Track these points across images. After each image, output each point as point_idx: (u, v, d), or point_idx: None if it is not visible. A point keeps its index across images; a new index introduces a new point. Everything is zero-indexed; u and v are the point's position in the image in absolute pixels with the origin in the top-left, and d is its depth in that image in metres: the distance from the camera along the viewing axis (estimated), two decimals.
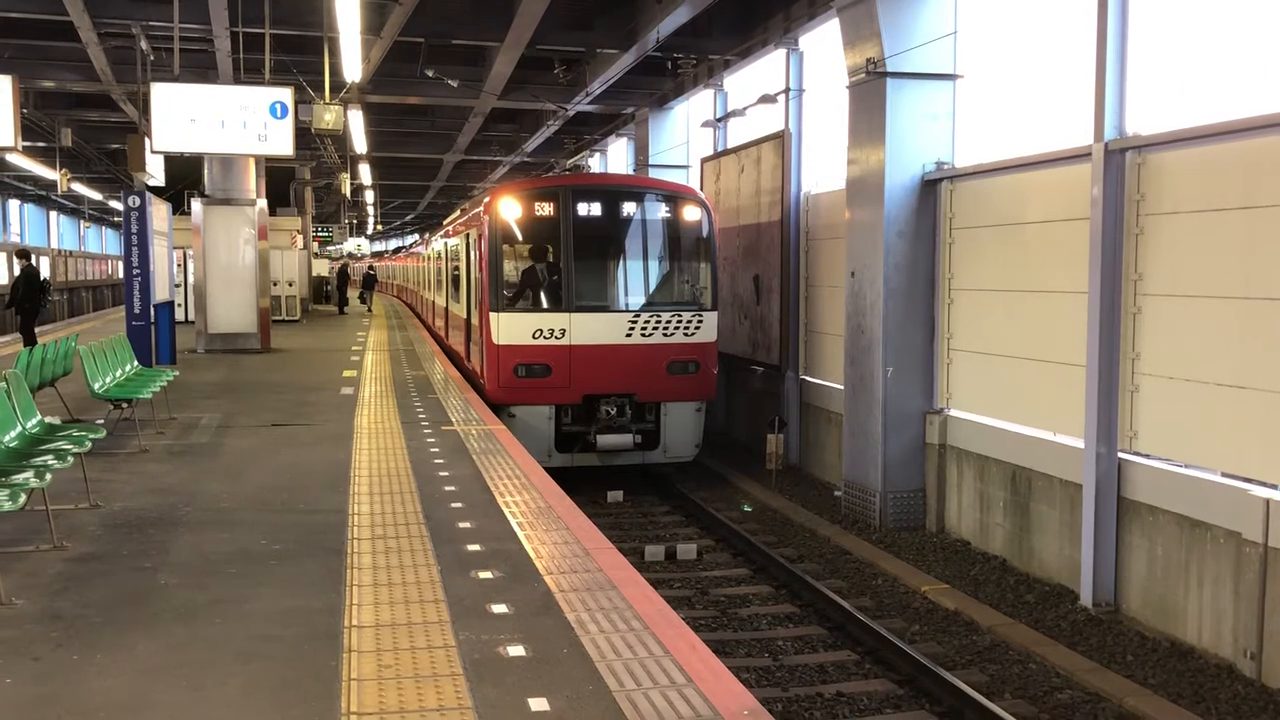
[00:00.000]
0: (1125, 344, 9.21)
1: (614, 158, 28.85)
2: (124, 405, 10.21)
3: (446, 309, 20.83)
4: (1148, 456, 9.08)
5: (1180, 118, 8.85)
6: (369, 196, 45.33)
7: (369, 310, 36.08)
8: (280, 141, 15.32)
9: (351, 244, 69.48)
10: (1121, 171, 9.17)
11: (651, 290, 14.38)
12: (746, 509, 12.57)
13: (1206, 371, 8.40)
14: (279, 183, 32.46)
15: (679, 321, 13.99)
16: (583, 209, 13.93)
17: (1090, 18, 9.36)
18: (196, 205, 19.19)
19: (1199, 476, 8.51)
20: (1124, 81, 9.21)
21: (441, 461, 9.07)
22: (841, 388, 13.47)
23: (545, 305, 13.98)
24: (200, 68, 18.95)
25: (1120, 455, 9.24)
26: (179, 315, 21.47)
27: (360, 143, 24.94)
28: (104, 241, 75.66)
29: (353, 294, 41.57)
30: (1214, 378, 8.33)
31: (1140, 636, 8.73)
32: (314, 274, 37.75)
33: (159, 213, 16.57)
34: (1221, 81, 8.79)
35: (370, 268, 44.95)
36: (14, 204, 54.79)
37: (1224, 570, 8.12)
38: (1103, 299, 9.19)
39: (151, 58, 17.60)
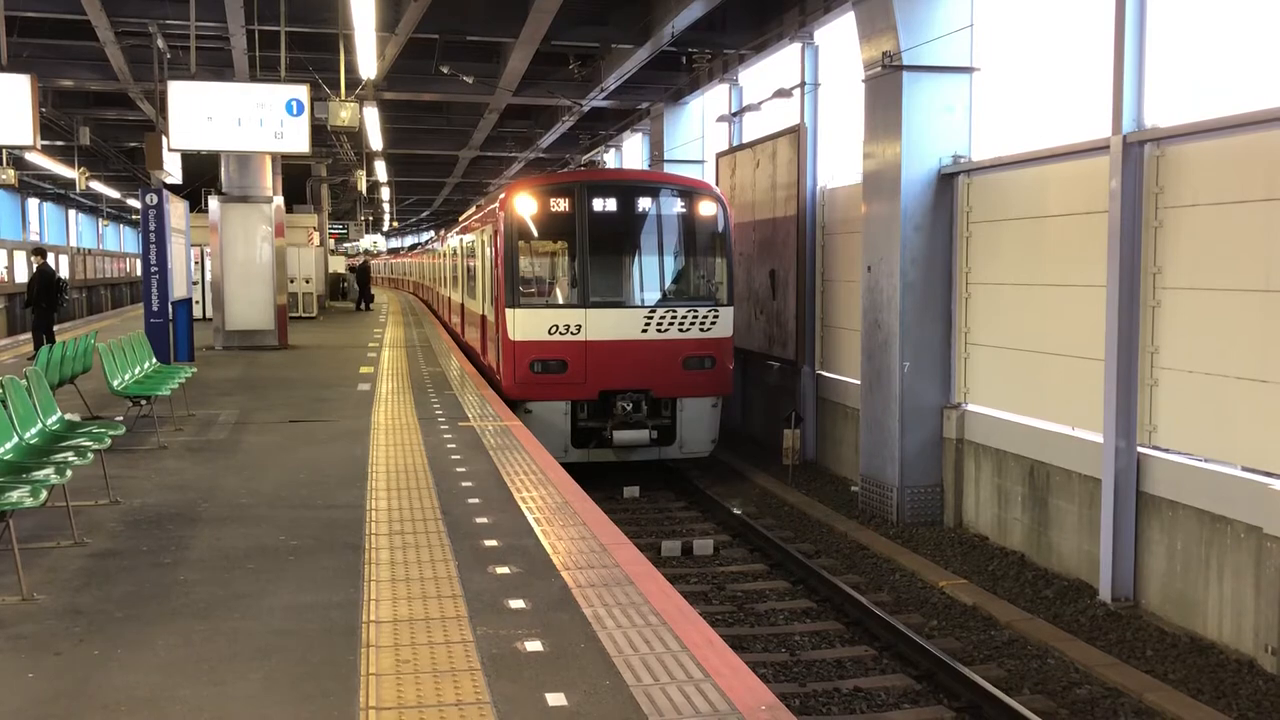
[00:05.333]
0: (1144, 338, 9.15)
1: (629, 153, 28.84)
2: (143, 402, 10.27)
3: (463, 305, 20.87)
4: (1167, 451, 9.03)
5: (1200, 109, 8.78)
6: (385, 193, 45.43)
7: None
8: (296, 139, 15.35)
9: (367, 240, 69.65)
10: (1140, 164, 9.10)
11: (667, 286, 14.37)
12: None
13: (1227, 365, 8.34)
14: (295, 180, 32.57)
15: (695, 317, 13.97)
16: (598, 205, 13.93)
17: (1108, 8, 9.30)
18: (214, 203, 19.28)
19: (1219, 471, 8.45)
20: (1142, 73, 9.14)
21: (458, 457, 9.09)
22: (858, 382, 13.43)
23: (561, 301, 14.00)
24: (217, 66, 19.03)
25: (1139, 450, 9.18)
26: (197, 312, 21.58)
27: (376, 139, 24.99)
28: (122, 239, 76.08)
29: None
30: (1234, 371, 8.27)
31: (1160, 632, 8.68)
32: (330, 270, 37.84)
33: (176, 210, 16.65)
34: (1242, 72, 8.72)
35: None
36: (33, 202, 55.13)
37: (1244, 565, 8.07)
38: (1121, 292, 9.14)
39: (168, 56, 17.69)
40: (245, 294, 19.25)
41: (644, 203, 14.22)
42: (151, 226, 15.37)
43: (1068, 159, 10.21)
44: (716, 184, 18.04)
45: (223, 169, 19.75)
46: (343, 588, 5.59)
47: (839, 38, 15.12)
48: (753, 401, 17.98)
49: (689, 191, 14.46)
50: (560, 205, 13.93)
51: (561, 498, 7.62)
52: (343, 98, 16.32)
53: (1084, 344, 9.87)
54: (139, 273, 24.02)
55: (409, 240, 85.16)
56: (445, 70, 19.56)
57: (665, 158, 22.41)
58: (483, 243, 16.96)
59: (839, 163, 15.21)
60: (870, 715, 7.37)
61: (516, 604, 5.30)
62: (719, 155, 19.20)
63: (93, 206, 60.37)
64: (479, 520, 6.96)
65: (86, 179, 30.39)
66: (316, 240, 30.91)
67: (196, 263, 23.83)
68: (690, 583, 10.22)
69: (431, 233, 59.44)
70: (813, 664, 8.26)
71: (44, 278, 18.69)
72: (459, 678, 4.40)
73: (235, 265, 19.29)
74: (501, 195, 14.75)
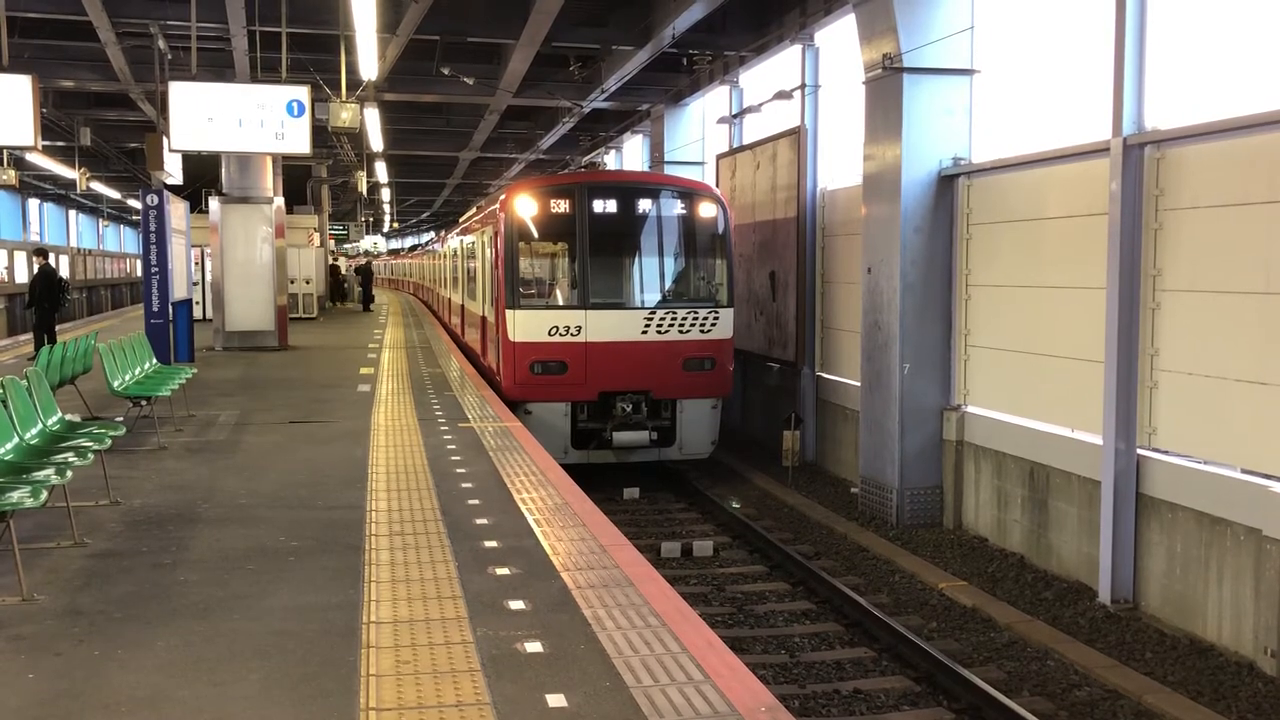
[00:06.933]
0: (1144, 340, 9.16)
1: (629, 155, 28.84)
2: (143, 403, 10.28)
3: (463, 306, 20.88)
4: (1166, 453, 9.03)
5: (1200, 112, 8.79)
6: (385, 194, 45.45)
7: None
8: (297, 140, 15.35)
9: (367, 241, 69.68)
10: (1140, 166, 9.11)
11: (667, 287, 14.37)
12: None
13: (1226, 367, 8.35)
14: (296, 181, 32.56)
15: (695, 318, 13.98)
16: (598, 206, 13.93)
17: (1108, 11, 9.30)
18: (214, 203, 19.28)
19: (1218, 473, 8.45)
20: (1142, 75, 9.14)
21: (458, 458, 9.10)
22: (858, 384, 13.44)
23: (561, 302, 14.00)
24: (217, 67, 19.04)
25: (1139, 451, 9.18)
26: (197, 313, 21.57)
27: (376, 140, 25.00)
28: (122, 240, 76.08)
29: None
30: (1234, 374, 8.27)
31: (1159, 634, 8.69)
32: (330, 270, 37.89)
33: (177, 211, 16.66)
34: (1242, 75, 8.73)
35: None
36: (34, 203, 55.14)
37: (1244, 567, 8.07)
38: (1121, 295, 9.14)
39: (169, 57, 17.69)
40: (245, 295, 19.24)
41: (644, 204, 14.22)
42: (152, 227, 15.38)
43: (1068, 161, 10.21)
44: (717, 185, 18.04)
45: (223, 170, 19.74)
46: (342, 588, 5.59)
47: (839, 40, 15.13)
48: (752, 403, 17.98)
49: (689, 193, 14.46)
50: (560, 206, 13.94)
51: (561, 499, 7.62)
52: (343, 99, 16.31)
53: (1084, 346, 9.87)
54: (139, 273, 24.07)
55: (409, 241, 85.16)
56: (446, 71, 19.57)
57: (665, 159, 22.41)
58: (483, 244, 16.96)
59: (839, 164, 15.22)
60: (870, 717, 7.37)
61: (516, 605, 5.30)
62: (719, 157, 19.21)
63: (93, 207, 60.39)
64: (479, 521, 6.96)
65: (87, 179, 30.40)
66: (317, 241, 30.93)
67: (197, 263, 23.83)
68: (690, 584, 10.22)
69: (432, 234, 59.46)
70: (812, 665, 8.26)
71: (46, 278, 18.71)
72: (459, 679, 4.40)
73: (235, 266, 19.28)
74: (502, 196, 14.75)
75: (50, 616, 5.19)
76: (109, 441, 7.35)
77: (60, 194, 50.65)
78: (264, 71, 18.04)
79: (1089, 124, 9.88)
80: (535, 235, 14.10)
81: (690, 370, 13.95)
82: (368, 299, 35.95)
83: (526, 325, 13.76)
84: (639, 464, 14.41)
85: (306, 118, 15.23)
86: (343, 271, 42.08)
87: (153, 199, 15.40)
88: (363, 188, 31.19)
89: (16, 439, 6.75)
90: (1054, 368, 10.43)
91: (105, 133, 29.17)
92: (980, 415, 11.71)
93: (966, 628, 9.12)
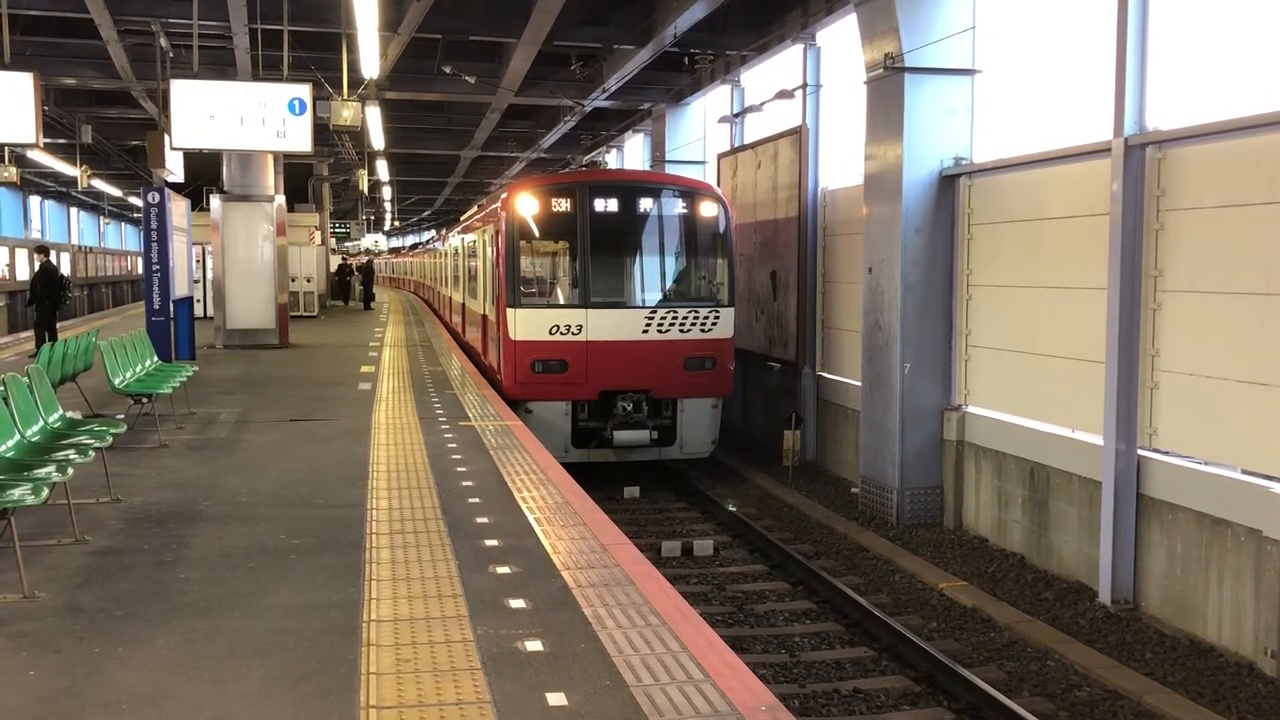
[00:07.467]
0: (1145, 340, 9.16)
1: (630, 154, 28.84)
2: (144, 400, 10.28)
3: (464, 305, 20.88)
4: (1167, 453, 9.03)
5: (1202, 112, 8.78)
6: (386, 193, 45.43)
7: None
8: (298, 138, 15.35)
9: (369, 240, 69.67)
10: (1142, 166, 9.11)
11: (668, 286, 14.38)
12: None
13: (1227, 368, 8.35)
14: (297, 179, 32.52)
15: (696, 317, 13.98)
16: (600, 205, 13.94)
17: (1110, 12, 9.30)
18: (215, 201, 19.29)
19: (1219, 474, 8.45)
20: (1144, 76, 9.14)
21: (459, 457, 9.10)
22: (859, 384, 13.44)
23: (562, 301, 14.00)
24: (219, 64, 19.01)
25: (1139, 452, 9.18)
26: (198, 311, 21.58)
27: (378, 139, 24.99)
28: (123, 237, 76.08)
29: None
30: (1235, 374, 8.27)
31: (1159, 634, 8.69)
32: (332, 270, 37.91)
33: (178, 209, 16.65)
34: (1244, 75, 8.73)
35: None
36: (35, 200, 55.14)
37: (1244, 568, 8.07)
38: (1122, 295, 9.14)
39: (171, 55, 17.69)
40: (246, 292, 19.26)
41: (645, 203, 14.23)
42: (153, 225, 15.38)
43: (1069, 161, 10.21)
44: (718, 185, 18.05)
45: (224, 167, 19.75)
46: (343, 587, 5.59)
47: (841, 39, 15.12)
48: (753, 402, 17.98)
49: (690, 192, 14.47)
50: (562, 205, 13.94)
51: (562, 497, 7.63)
52: (345, 97, 16.32)
53: (1085, 346, 9.87)
54: (140, 271, 24.10)
55: (410, 240, 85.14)
56: (447, 70, 19.55)
57: (666, 158, 22.41)
58: (484, 242, 16.96)
59: (840, 164, 15.22)
60: (870, 717, 7.38)
61: (517, 604, 5.30)
62: (720, 156, 19.20)
63: (94, 204, 60.39)
64: (480, 520, 6.97)
65: (88, 177, 30.39)
66: (318, 239, 30.93)
67: (198, 261, 23.84)
68: (690, 583, 10.23)
69: (433, 232, 59.43)
70: (812, 665, 8.27)
71: (47, 275, 18.71)
72: (459, 677, 4.40)
73: (236, 264, 19.29)
74: (503, 195, 14.75)
75: (51, 614, 5.19)
76: (110, 439, 7.35)
77: (61, 191, 50.63)
78: (266, 69, 18.03)
79: (1090, 124, 9.88)
80: (536, 234, 14.10)
81: (691, 369, 13.95)
82: (368, 297, 36.15)
83: (527, 324, 13.76)
84: (639, 463, 14.42)
85: (308, 116, 15.23)
86: (354, 271, 41.43)
87: (154, 196, 15.39)
88: (364, 186, 31.22)
89: (18, 436, 6.75)
90: (1055, 368, 10.43)
91: (107, 130, 29.16)
92: (981, 415, 11.71)
93: (966, 628, 9.13)
